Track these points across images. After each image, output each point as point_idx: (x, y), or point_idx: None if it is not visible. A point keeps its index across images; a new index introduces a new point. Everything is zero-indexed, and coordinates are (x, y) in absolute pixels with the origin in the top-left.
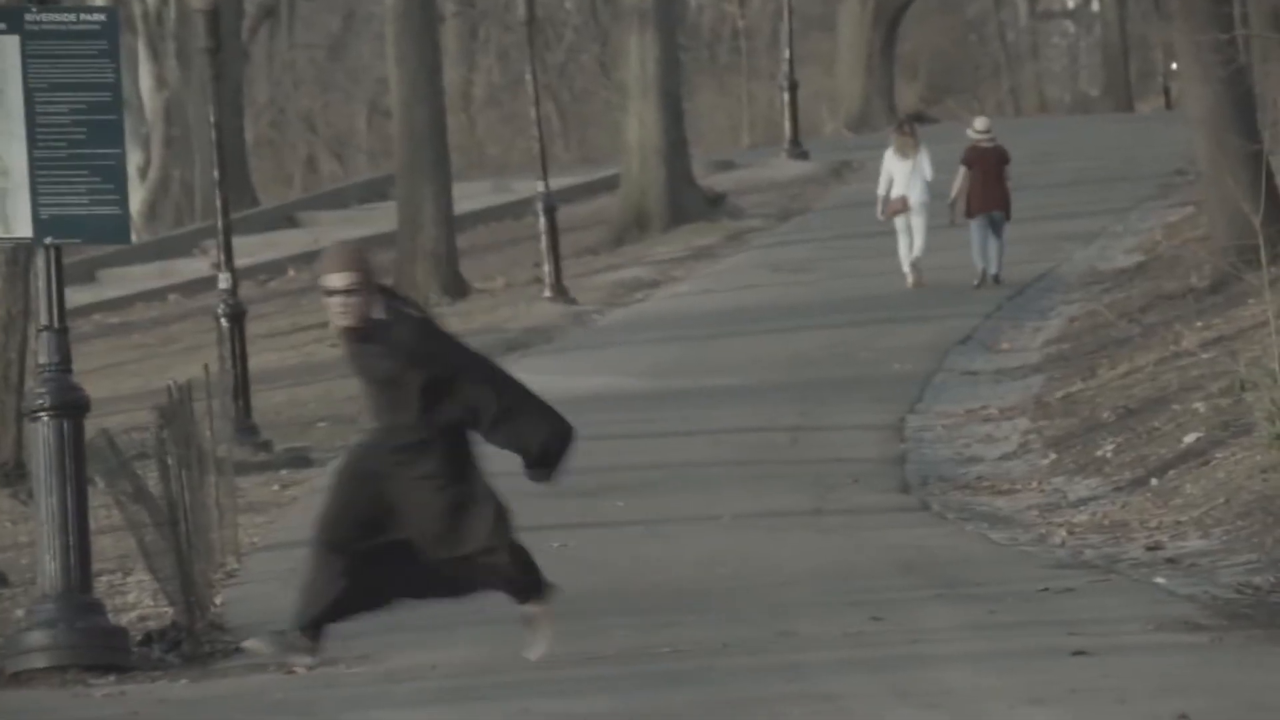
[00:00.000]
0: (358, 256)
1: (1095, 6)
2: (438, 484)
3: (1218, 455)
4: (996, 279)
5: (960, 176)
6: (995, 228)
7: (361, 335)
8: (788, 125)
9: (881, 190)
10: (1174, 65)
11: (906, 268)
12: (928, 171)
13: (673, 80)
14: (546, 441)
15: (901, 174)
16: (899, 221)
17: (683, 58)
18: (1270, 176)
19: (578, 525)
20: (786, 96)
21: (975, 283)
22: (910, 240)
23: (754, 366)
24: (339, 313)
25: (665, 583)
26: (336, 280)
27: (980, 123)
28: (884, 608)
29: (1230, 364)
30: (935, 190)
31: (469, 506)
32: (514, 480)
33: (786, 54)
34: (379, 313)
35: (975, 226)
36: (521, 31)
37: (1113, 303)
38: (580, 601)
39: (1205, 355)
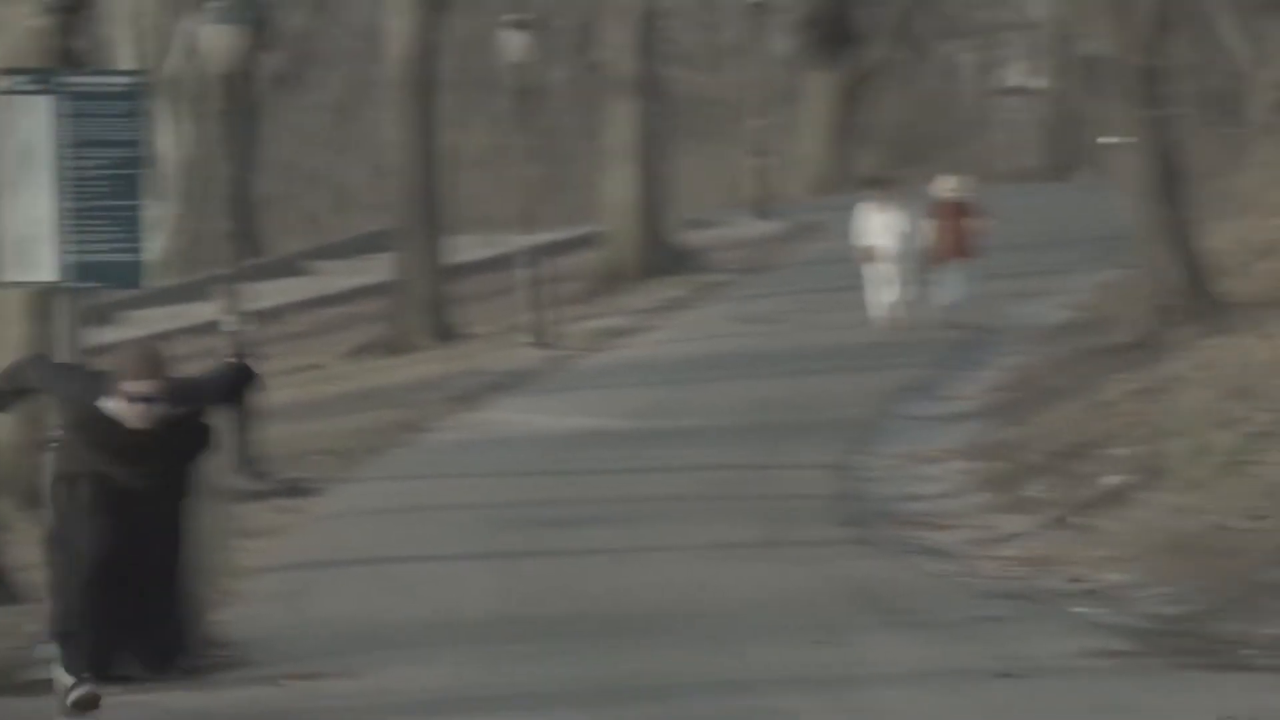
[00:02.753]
0: (160, 363)
1: (1041, 84)
2: None
3: (1136, 497)
4: (955, 324)
5: (928, 229)
6: (957, 273)
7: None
8: (757, 188)
9: (875, 242)
10: (1109, 139)
11: (877, 312)
12: (905, 224)
13: (652, 145)
14: None
15: (877, 225)
16: (869, 270)
17: (662, 124)
18: (1194, 244)
19: (555, 553)
20: (756, 162)
21: (941, 317)
22: (882, 286)
23: (721, 409)
24: (139, 415)
25: (634, 608)
26: (143, 388)
27: (949, 180)
28: (829, 632)
29: (1150, 414)
30: (911, 243)
31: None
32: (483, 510)
33: (757, 122)
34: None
35: (942, 272)
36: (513, 99)
37: (1046, 356)
38: (556, 624)
39: (1128, 405)
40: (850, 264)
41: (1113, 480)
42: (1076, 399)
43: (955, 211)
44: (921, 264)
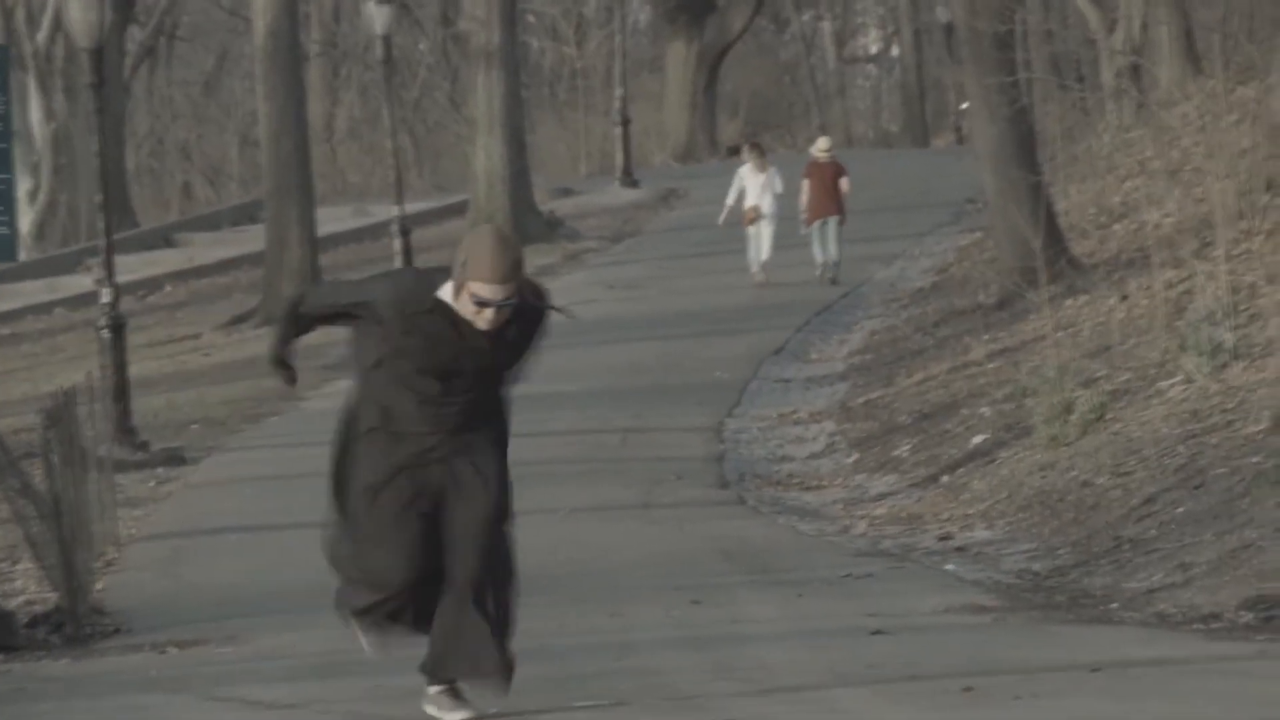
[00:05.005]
0: (518, 264)
1: (895, 51)
2: None
3: (1002, 455)
4: (834, 280)
5: (804, 189)
6: (831, 232)
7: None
8: (620, 157)
9: (731, 200)
10: (965, 105)
11: (755, 268)
12: (778, 185)
13: (516, 115)
14: None
15: (755, 187)
16: (750, 229)
17: (525, 95)
18: (1049, 206)
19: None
20: (619, 131)
21: (817, 273)
22: (759, 245)
23: (591, 374)
24: (486, 320)
25: None
26: (495, 293)
27: (822, 142)
28: (704, 592)
29: (1013, 373)
30: (784, 203)
31: None
32: None
33: (619, 92)
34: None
35: (815, 230)
36: (380, 70)
37: (910, 318)
38: None
39: (991, 365)
40: (714, 229)
41: (979, 439)
42: (941, 360)
43: (830, 172)
44: (805, 222)
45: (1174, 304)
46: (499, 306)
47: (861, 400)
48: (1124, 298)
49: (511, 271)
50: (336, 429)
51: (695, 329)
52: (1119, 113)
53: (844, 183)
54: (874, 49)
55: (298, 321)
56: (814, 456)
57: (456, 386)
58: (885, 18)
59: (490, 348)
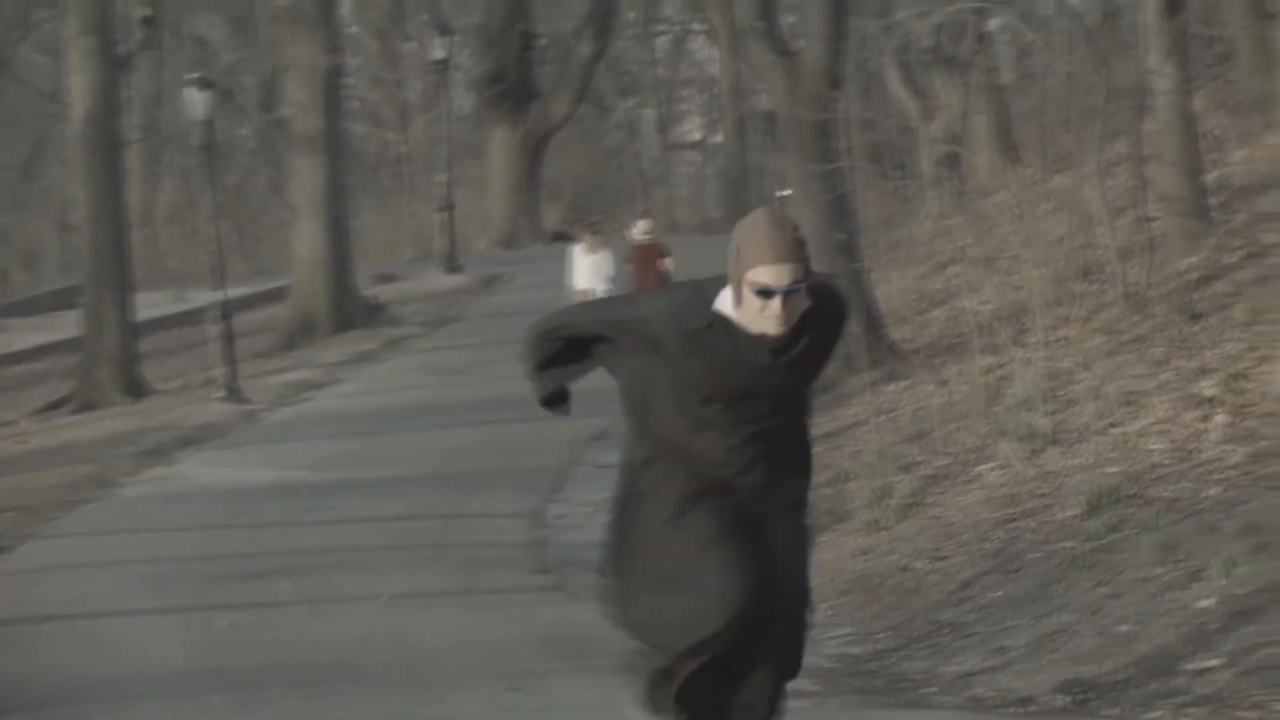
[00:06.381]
0: (801, 244)
1: (718, 138)
2: None
3: (822, 539)
4: None
5: (627, 273)
6: None
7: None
8: (443, 242)
9: (578, 285)
10: (786, 191)
11: None
12: (610, 268)
13: (338, 200)
14: None
15: (585, 268)
16: None
17: (348, 180)
18: (869, 292)
19: (247, 605)
20: (443, 216)
21: None
22: None
23: (412, 460)
24: (774, 319)
25: (329, 658)
26: (779, 276)
27: (642, 224)
28: (525, 679)
29: (834, 458)
30: (615, 285)
31: None
32: (175, 564)
33: (443, 177)
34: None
35: None
36: (200, 156)
37: None
38: (249, 675)
39: (813, 450)
40: (538, 314)
41: None
42: None
43: (652, 253)
44: None
45: (992, 390)
46: (786, 293)
47: None
48: (943, 383)
49: (794, 250)
50: (617, 483)
51: (518, 414)
52: (938, 201)
53: (667, 263)
54: (697, 136)
55: (550, 347)
56: None
57: (749, 414)
58: (708, 105)
59: (780, 363)
